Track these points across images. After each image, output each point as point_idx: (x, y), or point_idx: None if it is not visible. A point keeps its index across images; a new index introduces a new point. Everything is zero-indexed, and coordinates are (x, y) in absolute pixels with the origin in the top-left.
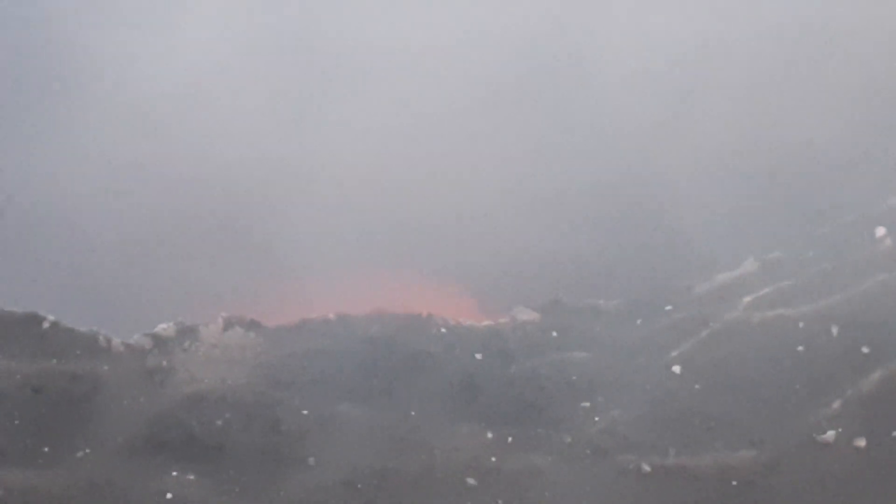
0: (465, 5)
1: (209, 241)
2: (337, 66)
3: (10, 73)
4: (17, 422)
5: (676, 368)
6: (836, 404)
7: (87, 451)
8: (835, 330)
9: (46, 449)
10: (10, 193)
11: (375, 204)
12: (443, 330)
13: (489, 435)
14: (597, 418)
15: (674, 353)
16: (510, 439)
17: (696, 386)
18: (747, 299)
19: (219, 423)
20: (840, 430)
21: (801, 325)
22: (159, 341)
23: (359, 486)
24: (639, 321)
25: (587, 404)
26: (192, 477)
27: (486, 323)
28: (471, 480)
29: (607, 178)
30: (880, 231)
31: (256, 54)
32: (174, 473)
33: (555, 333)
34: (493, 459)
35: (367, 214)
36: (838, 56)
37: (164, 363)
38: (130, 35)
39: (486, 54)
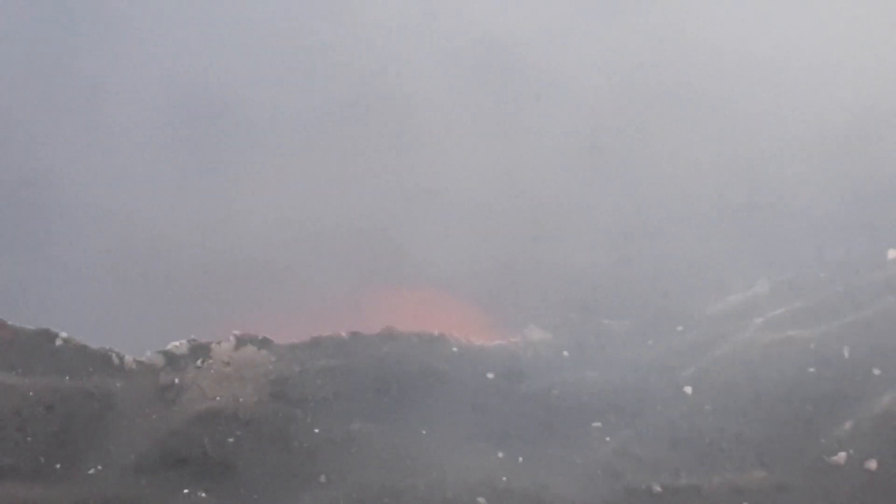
0: None
1: (220, 258)
2: None
3: None
4: (29, 438)
5: (688, 389)
6: (848, 426)
7: (100, 467)
8: (846, 352)
9: (58, 465)
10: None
11: (385, 220)
12: (454, 349)
13: (500, 454)
14: (608, 438)
15: (685, 374)
16: (521, 459)
17: (708, 406)
18: (759, 320)
19: (230, 440)
20: (851, 451)
21: (812, 346)
22: (172, 359)
23: None
24: (650, 341)
25: (598, 424)
26: (203, 494)
27: (497, 342)
28: (481, 500)
29: (617, 195)
30: (892, 254)
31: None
32: (185, 491)
33: (566, 353)
34: (504, 479)
35: (376, 231)
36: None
37: (177, 381)
38: None
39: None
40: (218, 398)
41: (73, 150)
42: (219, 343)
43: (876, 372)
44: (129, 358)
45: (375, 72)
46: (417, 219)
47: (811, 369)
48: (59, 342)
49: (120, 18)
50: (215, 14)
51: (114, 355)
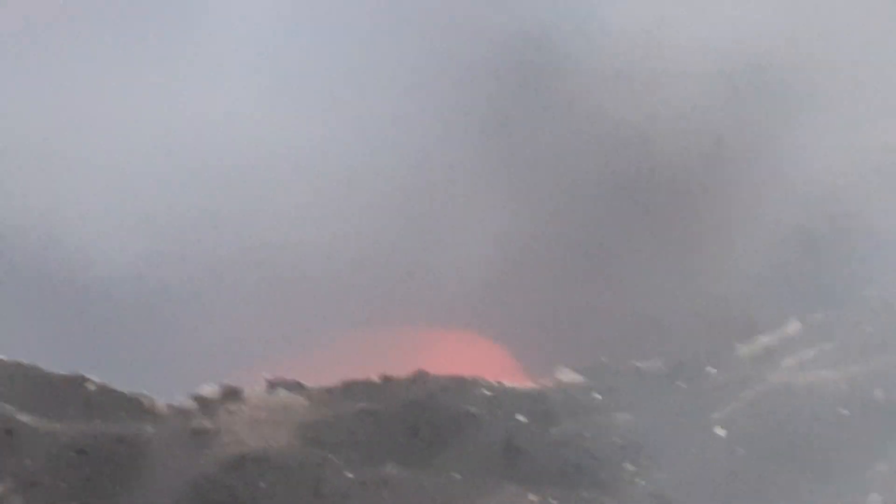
0: None
1: (251, 301)
2: None
3: None
4: (62, 484)
5: (720, 431)
6: (881, 467)
7: None
8: (878, 393)
9: None
10: None
11: (413, 262)
12: (486, 392)
13: (531, 497)
14: (640, 481)
15: (717, 416)
16: (553, 502)
17: (740, 448)
18: (790, 361)
19: (262, 485)
20: (884, 493)
21: (843, 387)
22: (203, 403)
23: None
24: (681, 383)
25: (631, 467)
26: None
27: (529, 385)
28: None
29: (646, 234)
30: None
31: None
32: None
33: (598, 395)
34: None
35: (404, 273)
36: None
37: (209, 425)
38: None
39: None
40: (250, 443)
41: None
42: (251, 387)
43: None
44: (160, 403)
45: None
46: (446, 254)
47: (844, 411)
48: (90, 387)
49: None
50: None
51: (145, 400)
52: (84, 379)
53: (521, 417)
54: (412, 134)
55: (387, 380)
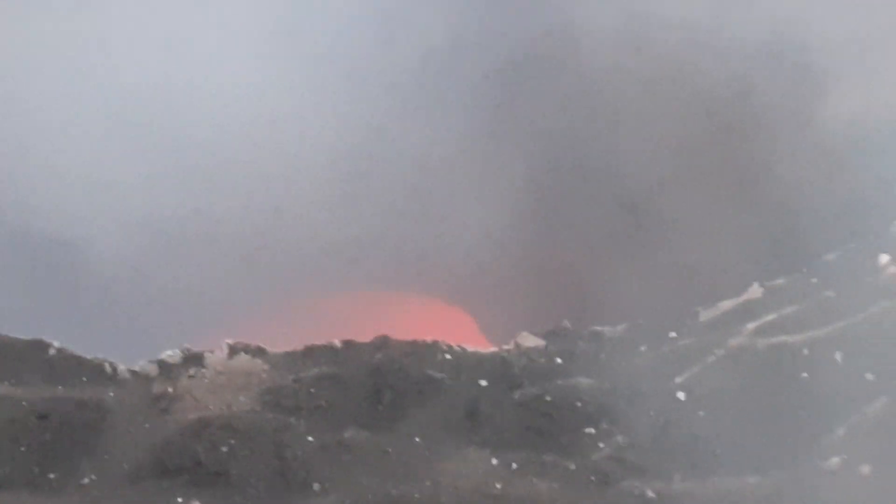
0: None
1: (214, 266)
2: None
3: None
4: (22, 448)
5: (681, 395)
6: (841, 431)
7: (93, 477)
8: (839, 356)
9: (52, 475)
10: None
11: (376, 227)
12: (447, 356)
13: (494, 461)
14: (601, 444)
15: (678, 380)
16: (515, 465)
17: (701, 412)
18: (752, 326)
19: (224, 449)
20: (845, 456)
21: (805, 351)
22: (165, 368)
23: None
24: (643, 347)
25: (592, 430)
26: (197, 503)
27: (490, 349)
28: None
29: (612, 202)
30: (884, 258)
31: None
32: (179, 500)
33: (559, 360)
34: (498, 486)
35: (368, 238)
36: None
37: (170, 390)
38: None
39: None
40: (211, 407)
41: None
42: (212, 352)
43: (869, 377)
44: (122, 367)
45: None
46: (412, 224)
47: (804, 374)
48: (52, 352)
49: None
50: None
51: (107, 365)
52: (45, 344)
53: (482, 382)
54: (373, 110)
55: (348, 344)
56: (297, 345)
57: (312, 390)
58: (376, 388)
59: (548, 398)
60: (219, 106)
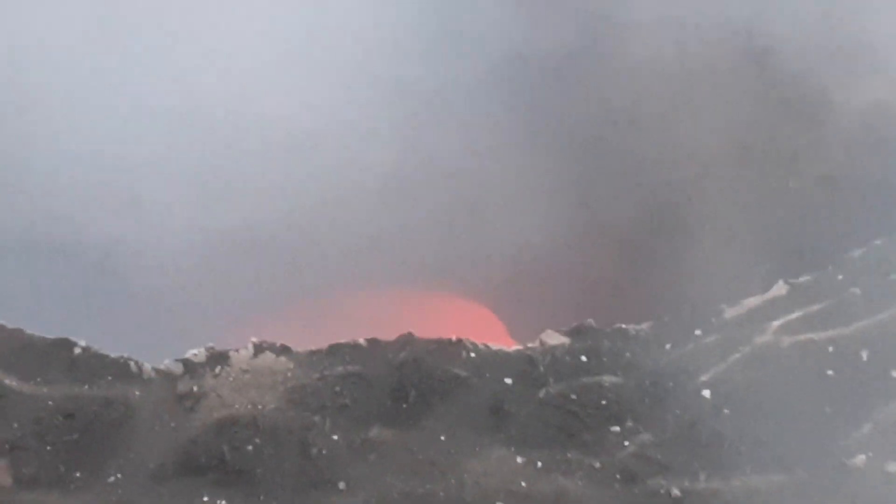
0: None
1: (239, 266)
2: None
3: None
4: (49, 447)
5: (706, 392)
6: (866, 428)
7: (119, 476)
8: (864, 354)
9: (78, 474)
10: None
11: (402, 227)
12: (472, 355)
13: (519, 459)
14: (626, 442)
15: (703, 378)
16: (540, 464)
17: (726, 410)
18: (777, 323)
19: (249, 447)
20: (870, 454)
21: (830, 349)
22: (190, 367)
23: None
24: (668, 345)
25: (617, 428)
26: (223, 502)
27: (515, 347)
28: None
29: (636, 200)
30: None
31: None
32: (205, 498)
33: (584, 358)
34: (523, 484)
35: (394, 238)
36: None
37: (195, 388)
38: None
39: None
40: (236, 406)
41: None
42: (237, 351)
43: (894, 374)
44: (147, 366)
45: None
46: (432, 220)
47: (830, 372)
48: (77, 351)
49: None
50: None
51: (132, 364)
52: (71, 343)
53: (507, 380)
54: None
55: (373, 342)
56: (322, 343)
57: (337, 388)
58: (401, 387)
59: (573, 396)
60: (264, 123)
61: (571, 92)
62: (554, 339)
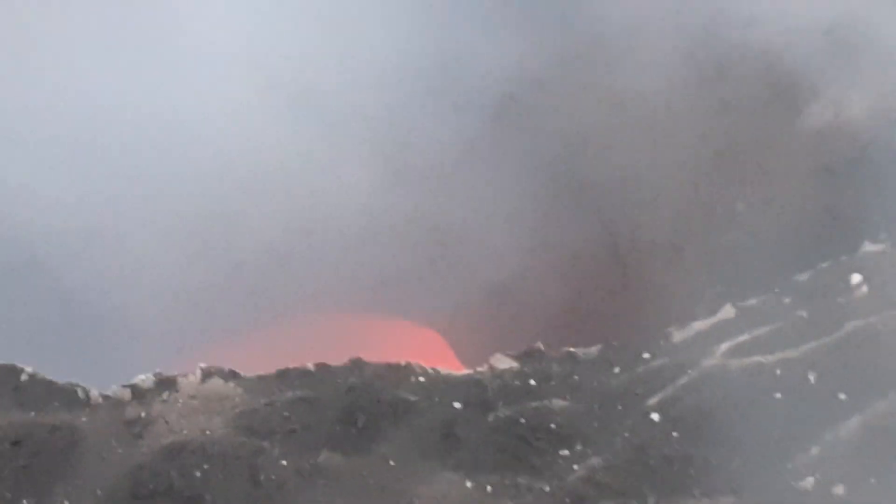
0: None
1: (186, 291)
2: None
3: None
4: None
5: (655, 416)
6: (815, 451)
7: (67, 503)
8: (812, 377)
9: (25, 501)
10: None
11: (350, 251)
12: (421, 379)
13: (468, 484)
14: (576, 466)
15: (652, 401)
16: (489, 488)
17: (675, 433)
18: (724, 346)
19: (198, 473)
20: (818, 476)
21: (778, 371)
22: (138, 392)
23: None
24: (617, 369)
25: (566, 452)
26: None
27: (464, 371)
28: None
29: (581, 222)
30: (856, 278)
31: None
32: None
33: (533, 381)
34: None
35: (342, 262)
36: None
37: (143, 414)
38: None
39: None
40: (185, 431)
41: None
42: (185, 376)
43: (842, 396)
44: (94, 392)
45: None
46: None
47: (777, 395)
48: (24, 377)
49: None
50: None
51: (79, 390)
52: (18, 369)
53: (457, 404)
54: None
55: (322, 367)
56: (270, 368)
57: (286, 414)
58: (350, 411)
59: (522, 420)
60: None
61: (534, 119)
62: (503, 363)
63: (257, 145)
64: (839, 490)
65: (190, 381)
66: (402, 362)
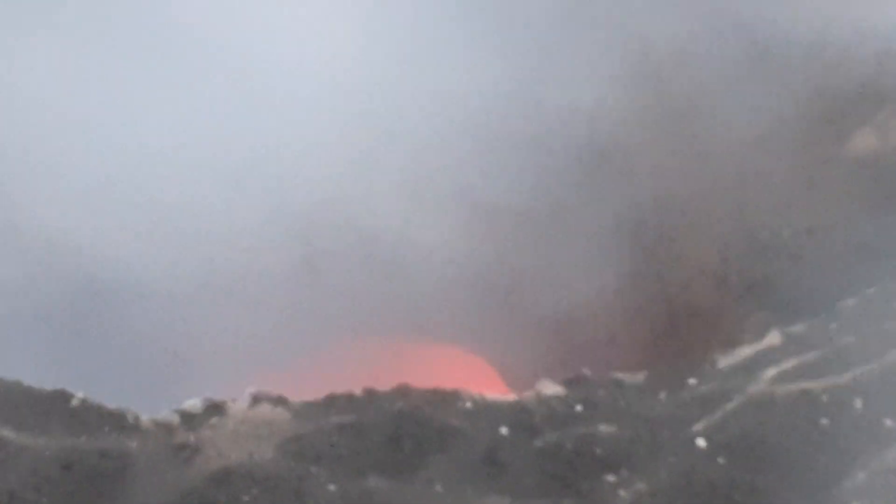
0: None
1: (237, 317)
2: None
3: None
4: (45, 500)
5: (701, 441)
6: (861, 477)
7: None
8: (858, 403)
9: None
10: None
11: (397, 275)
12: (468, 405)
13: None
14: (622, 492)
15: (698, 427)
16: None
17: (721, 459)
18: (771, 372)
19: (246, 498)
20: (866, 503)
21: (824, 398)
22: (187, 417)
23: None
24: (662, 395)
25: (612, 478)
26: None
27: (510, 397)
28: None
29: (628, 250)
30: None
31: None
32: None
33: (579, 407)
34: None
35: (389, 288)
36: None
37: (192, 439)
38: None
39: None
40: (233, 457)
41: None
42: (234, 401)
43: (888, 423)
44: (144, 417)
45: None
46: (428, 268)
47: (824, 421)
48: (74, 402)
49: None
50: None
51: (129, 415)
52: (69, 395)
53: (503, 430)
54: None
55: (369, 393)
56: (318, 394)
57: (334, 439)
58: (397, 437)
59: (568, 445)
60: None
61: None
62: (549, 388)
63: (339, 185)
64: None
65: (238, 406)
66: (450, 388)
